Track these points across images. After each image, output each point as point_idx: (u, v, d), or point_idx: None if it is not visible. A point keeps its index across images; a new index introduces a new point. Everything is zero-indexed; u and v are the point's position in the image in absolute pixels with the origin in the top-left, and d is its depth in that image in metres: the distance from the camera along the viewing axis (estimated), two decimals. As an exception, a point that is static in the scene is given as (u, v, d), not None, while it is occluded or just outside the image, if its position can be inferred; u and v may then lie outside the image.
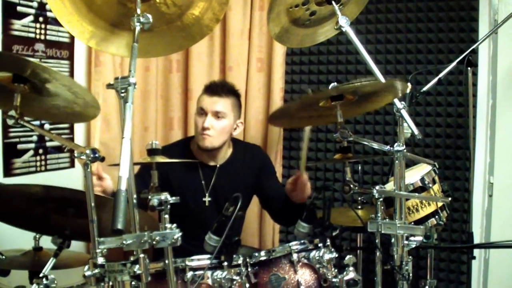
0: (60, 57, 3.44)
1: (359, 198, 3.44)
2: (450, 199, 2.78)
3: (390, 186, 2.72)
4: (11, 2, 3.09)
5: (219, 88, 3.22)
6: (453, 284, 3.80)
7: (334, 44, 3.97)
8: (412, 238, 2.33)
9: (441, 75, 3.18)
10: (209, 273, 2.34)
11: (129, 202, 1.78)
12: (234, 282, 2.32)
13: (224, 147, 3.29)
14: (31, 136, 3.25)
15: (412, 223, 2.77)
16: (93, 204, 1.83)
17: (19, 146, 3.20)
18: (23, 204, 2.34)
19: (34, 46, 3.24)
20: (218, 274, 2.33)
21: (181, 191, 3.04)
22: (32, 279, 2.22)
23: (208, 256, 2.34)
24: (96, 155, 1.83)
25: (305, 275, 2.48)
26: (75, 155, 1.82)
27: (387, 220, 2.35)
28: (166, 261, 2.03)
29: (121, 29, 2.15)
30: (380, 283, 2.52)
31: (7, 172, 3.12)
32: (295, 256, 2.49)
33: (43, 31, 3.30)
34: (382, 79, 2.25)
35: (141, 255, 1.82)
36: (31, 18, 3.21)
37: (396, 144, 2.26)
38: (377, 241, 2.47)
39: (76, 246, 3.19)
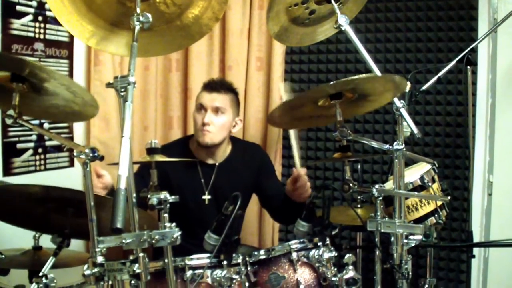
0: (59, 56, 3.44)
1: (359, 197, 3.45)
2: (449, 198, 2.79)
3: (389, 185, 2.72)
4: (10, 1, 3.09)
5: (218, 85, 3.26)
6: (452, 283, 3.80)
7: (333, 43, 3.97)
8: (411, 237, 2.33)
9: (440, 74, 3.19)
10: (208, 272, 2.34)
11: (128, 201, 1.78)
12: (234, 281, 2.32)
13: (223, 145, 3.30)
14: (30, 135, 3.25)
15: (412, 222, 2.77)
16: (92, 203, 1.83)
17: (19, 146, 3.20)
18: (22, 203, 2.34)
19: (33, 46, 3.24)
20: (218, 273, 2.33)
21: (180, 190, 3.04)
22: (31, 278, 2.23)
23: (208, 255, 2.34)
24: (96, 154, 1.83)
25: (304, 274, 2.48)
26: (75, 154, 1.82)
27: (386, 219, 2.35)
28: (166, 260, 2.03)
29: (121, 28, 2.15)
30: (379, 282, 2.52)
31: (7, 172, 3.12)
32: (294, 255, 2.49)
33: (42, 31, 3.29)
34: (380, 75, 2.25)
35: (141, 254, 1.81)
36: (30, 17, 3.21)
37: (395, 143, 2.27)
38: (376, 240, 2.47)
39: (76, 245, 3.20)
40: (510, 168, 3.66)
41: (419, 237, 2.32)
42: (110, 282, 1.86)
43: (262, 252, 2.50)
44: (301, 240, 2.54)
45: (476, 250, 3.45)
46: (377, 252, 2.50)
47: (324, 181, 4.06)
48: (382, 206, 2.38)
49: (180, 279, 2.30)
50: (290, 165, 4.10)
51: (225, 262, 2.35)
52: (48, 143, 3.39)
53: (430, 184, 2.84)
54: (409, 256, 2.36)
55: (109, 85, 1.77)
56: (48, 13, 3.29)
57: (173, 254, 2.05)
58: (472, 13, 3.68)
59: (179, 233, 1.90)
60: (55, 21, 3.23)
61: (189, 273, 2.30)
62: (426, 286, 3.05)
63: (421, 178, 2.84)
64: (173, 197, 2.00)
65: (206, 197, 3.27)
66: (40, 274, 2.16)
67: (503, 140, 3.67)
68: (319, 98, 2.39)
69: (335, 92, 2.32)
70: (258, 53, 4.01)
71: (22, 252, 2.64)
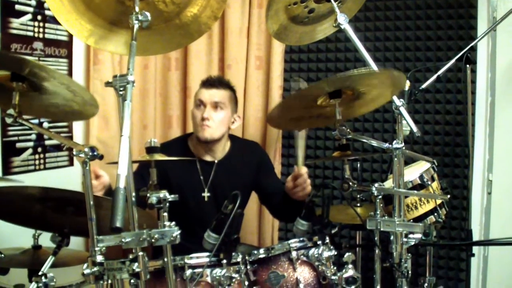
0: (58, 55, 3.44)
1: (358, 196, 3.45)
2: (449, 196, 2.78)
3: (389, 183, 2.72)
4: (9, 0, 3.08)
5: (216, 81, 3.31)
6: (452, 281, 3.80)
7: (333, 41, 3.97)
8: (411, 236, 2.33)
9: (439, 72, 3.18)
10: (208, 271, 2.34)
11: (127, 200, 1.78)
12: (233, 280, 2.32)
13: (222, 142, 3.32)
14: (30, 134, 3.25)
15: (411, 220, 2.77)
16: (92, 202, 1.82)
17: (18, 145, 3.20)
18: (21, 203, 2.34)
19: (32, 45, 3.24)
20: (217, 272, 2.32)
21: (180, 187, 3.10)
22: (31, 277, 2.23)
23: (207, 254, 2.34)
24: (95, 153, 1.83)
25: (304, 273, 2.48)
26: (74, 153, 1.82)
27: (386, 217, 2.35)
28: (165, 259, 2.03)
29: (120, 27, 2.15)
30: (379, 281, 2.52)
31: (6, 171, 3.12)
32: (294, 253, 2.48)
33: (41, 30, 3.29)
34: (377, 70, 2.25)
35: (140, 253, 1.81)
36: (29, 16, 3.21)
37: (395, 141, 2.26)
38: (376, 238, 2.47)
39: (75, 244, 3.20)
40: (509, 167, 3.66)
41: (419, 235, 2.32)
42: (109, 281, 1.86)
43: (261, 251, 2.50)
44: (301, 239, 2.54)
45: (475, 249, 3.44)
46: (377, 251, 2.50)
47: (323, 180, 4.06)
48: (381, 205, 2.38)
49: (180, 278, 2.30)
50: (289, 164, 4.11)
51: (224, 261, 2.34)
52: (47, 142, 3.39)
53: (429, 182, 2.84)
54: (409, 254, 2.36)
55: (108, 84, 1.77)
56: (47, 12, 3.29)
57: (173, 252, 2.05)
58: (472, 12, 3.68)
59: (179, 232, 1.90)
60: (54, 20, 3.22)
61: (188, 272, 2.30)
62: (426, 284, 3.05)
63: (421, 177, 2.84)
64: (172, 196, 2.00)
65: (206, 194, 3.29)
66: (40, 273, 2.16)
67: (502, 139, 3.67)
68: (318, 96, 2.39)
69: (334, 89, 2.31)
70: (258, 52, 4.01)
71: (22, 251, 2.64)
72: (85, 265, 1.81)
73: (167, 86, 4.09)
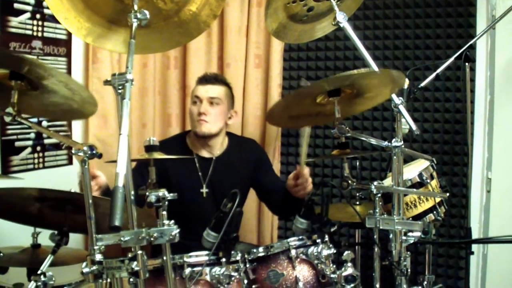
0: (57, 54, 3.44)
1: (357, 194, 3.45)
2: (448, 194, 2.79)
3: (388, 181, 2.73)
4: (8, -1, 3.09)
5: (212, 77, 3.37)
6: (451, 279, 3.81)
7: (332, 40, 3.97)
8: (410, 234, 2.33)
9: (439, 70, 3.18)
10: (207, 269, 2.34)
11: (126, 198, 1.78)
12: (233, 278, 2.32)
13: (220, 138, 3.36)
14: (29, 133, 3.25)
15: (410, 218, 2.77)
16: (91, 201, 1.82)
17: (17, 144, 3.20)
18: (20, 201, 2.34)
19: (31, 43, 3.24)
20: (217, 270, 2.32)
21: (178, 183, 3.14)
22: (30, 276, 2.23)
23: (206, 252, 2.34)
24: (94, 151, 1.83)
25: (303, 271, 2.48)
26: (73, 152, 1.82)
27: (385, 215, 2.35)
28: (164, 258, 2.03)
29: (118, 26, 2.15)
30: (378, 279, 2.52)
31: (5, 170, 3.12)
32: (293, 252, 2.49)
33: (40, 28, 3.29)
34: (378, 71, 2.25)
35: (139, 252, 1.81)
36: (28, 15, 3.21)
37: (394, 139, 2.26)
38: (375, 236, 2.47)
39: (74, 243, 3.19)
40: (508, 165, 3.66)
41: (418, 234, 2.32)
42: (108, 280, 1.86)
43: (260, 249, 2.50)
44: (300, 237, 2.54)
45: (474, 247, 3.45)
46: (376, 249, 2.50)
47: (322, 178, 4.06)
48: (380, 203, 2.38)
49: (179, 277, 2.30)
50: (288, 162, 4.11)
51: (224, 260, 2.34)
52: (46, 141, 3.39)
53: (428, 181, 2.84)
54: (408, 253, 2.36)
55: (106, 82, 1.77)
56: (46, 10, 3.29)
57: (172, 250, 2.05)
58: (471, 10, 3.68)
59: (178, 230, 1.90)
60: (53, 18, 3.22)
61: (187, 270, 2.30)
62: (425, 282, 3.04)
63: (420, 175, 2.84)
64: (171, 194, 2.00)
65: (204, 190, 3.32)
66: (39, 272, 2.16)
67: (501, 137, 3.67)
68: (317, 94, 2.39)
69: (333, 88, 2.31)
70: (257, 50, 4.01)
71: (21, 250, 2.64)
72: (84, 263, 1.80)
73: (166, 85, 4.09)
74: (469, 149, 3.47)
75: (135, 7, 1.93)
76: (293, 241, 2.51)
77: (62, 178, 3.38)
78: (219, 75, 3.53)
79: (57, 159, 3.49)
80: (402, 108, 2.22)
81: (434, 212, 2.85)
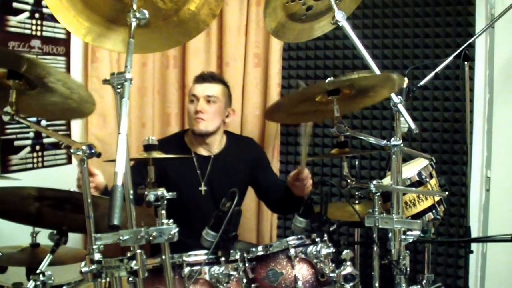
0: (56, 53, 3.44)
1: (357, 193, 3.45)
2: (447, 193, 2.79)
3: (387, 180, 2.73)
4: (7, -2, 3.09)
5: (209, 76, 3.39)
6: (450, 278, 3.81)
7: (331, 39, 3.97)
8: (409, 233, 2.33)
9: (438, 69, 3.18)
10: (206, 268, 2.34)
11: (125, 197, 1.78)
12: (232, 278, 2.32)
13: (217, 136, 3.39)
14: (28, 132, 3.25)
15: (409, 217, 2.78)
16: (89, 200, 1.82)
17: (16, 143, 3.20)
18: (19, 201, 2.34)
19: (30, 43, 3.24)
20: (216, 269, 2.33)
21: (177, 182, 3.15)
22: (29, 276, 2.23)
23: (205, 251, 2.34)
24: (93, 151, 1.82)
25: (302, 270, 2.48)
26: (71, 151, 1.82)
27: (384, 214, 2.35)
28: (163, 257, 2.03)
29: (118, 25, 2.14)
30: (377, 278, 2.52)
31: (4, 169, 3.12)
32: (292, 251, 2.49)
33: (39, 27, 3.29)
34: (378, 73, 2.25)
35: (138, 251, 1.81)
36: (27, 14, 3.21)
37: (393, 138, 2.26)
38: (374, 235, 2.47)
39: (73, 242, 3.20)
40: (508, 164, 3.66)
41: (417, 232, 2.32)
42: (107, 279, 1.86)
43: (260, 248, 2.51)
44: (299, 236, 2.54)
45: (474, 246, 3.45)
46: (375, 248, 2.51)
47: (322, 177, 4.06)
48: (380, 202, 2.38)
49: (178, 276, 2.30)
50: (288, 162, 4.11)
51: (223, 259, 2.35)
52: (45, 140, 3.39)
53: (427, 179, 2.84)
54: (407, 251, 2.37)
55: (105, 81, 1.77)
56: (45, 10, 3.29)
57: (171, 248, 2.05)
58: (470, 9, 3.67)
59: (177, 229, 1.90)
60: (52, 18, 3.22)
61: (187, 269, 2.30)
62: (424, 281, 3.04)
63: (419, 174, 2.84)
64: (170, 193, 2.00)
65: (203, 188, 3.35)
66: (38, 271, 2.16)
67: (500, 135, 3.67)
68: (317, 94, 2.39)
69: (333, 88, 2.31)
70: (256, 50, 4.01)
71: (20, 250, 2.64)
72: (83, 263, 1.80)
73: (166, 84, 4.09)
74: (468, 148, 3.47)
75: (134, 7, 1.93)
76: (292, 240, 2.52)
77: (61, 177, 3.38)
78: (216, 74, 3.55)
79: (56, 159, 3.49)
80: (401, 107, 2.22)
81: (433, 211, 2.85)
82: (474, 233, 3.53)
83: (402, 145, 2.27)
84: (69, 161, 3.57)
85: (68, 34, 3.49)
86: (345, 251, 2.45)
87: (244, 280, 2.42)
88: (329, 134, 3.98)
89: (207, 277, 2.33)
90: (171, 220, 1.93)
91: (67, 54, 3.53)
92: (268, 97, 3.98)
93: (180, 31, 2.25)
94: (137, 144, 3.78)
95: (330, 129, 2.34)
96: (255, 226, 4.07)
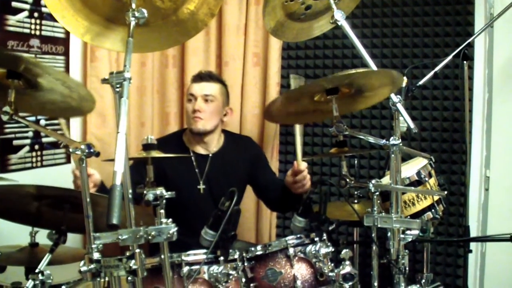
0: (55, 52, 3.44)
1: (356, 192, 3.45)
2: (446, 192, 2.78)
3: (386, 180, 2.72)
4: (6, -3, 3.09)
5: (207, 75, 3.42)
6: (449, 277, 3.81)
7: (330, 38, 3.97)
8: (408, 232, 2.33)
9: (437, 68, 3.18)
10: (205, 268, 2.34)
11: (124, 197, 1.78)
12: (231, 277, 2.32)
13: (215, 134, 3.41)
14: (26, 132, 3.25)
15: (409, 217, 2.77)
16: (88, 200, 1.82)
17: (15, 142, 3.19)
18: (18, 200, 2.34)
19: (29, 42, 3.24)
20: (215, 269, 2.33)
21: (176, 180, 3.18)
22: (28, 275, 2.22)
23: (204, 251, 2.34)
24: (91, 150, 1.82)
25: (301, 270, 2.48)
26: (70, 150, 1.82)
27: (383, 214, 2.35)
28: (162, 256, 2.03)
29: (116, 24, 2.14)
30: (376, 277, 2.52)
31: (3, 168, 3.12)
32: (291, 250, 2.49)
33: (38, 27, 3.29)
34: (376, 69, 2.25)
35: (137, 250, 1.81)
36: (26, 13, 3.21)
37: (392, 138, 2.26)
38: (373, 235, 2.47)
39: (72, 241, 3.20)
40: (507, 163, 3.66)
41: (416, 232, 2.32)
42: (106, 279, 1.86)
43: (259, 247, 2.51)
44: (298, 235, 2.54)
45: (473, 245, 3.45)
46: (374, 247, 2.50)
47: (321, 177, 4.06)
48: (379, 201, 2.38)
49: (177, 275, 2.30)
50: (287, 161, 4.11)
51: (222, 258, 2.35)
52: (44, 139, 3.39)
53: (427, 179, 2.84)
54: (406, 251, 2.36)
55: (104, 81, 1.77)
56: (43, 9, 3.29)
57: (170, 247, 2.04)
58: (469, 8, 3.67)
59: (176, 229, 1.90)
60: (51, 17, 3.22)
61: (185, 269, 2.30)
62: (423, 281, 3.04)
63: (418, 173, 2.84)
64: (169, 193, 2.00)
65: (201, 186, 3.37)
66: (37, 270, 2.16)
67: (500, 135, 3.67)
68: (316, 93, 2.39)
69: (332, 86, 2.31)
70: (255, 49, 4.01)
71: (19, 249, 2.64)
72: (82, 262, 1.80)
73: (165, 83, 4.09)
74: (467, 147, 3.46)
75: (133, 6, 1.93)
76: (291, 239, 2.52)
77: (60, 176, 3.37)
78: (213, 73, 3.56)
79: (55, 158, 3.49)
80: (400, 106, 2.22)
81: (432, 210, 2.84)
82: (473, 233, 3.52)
83: (401, 144, 2.27)
84: (68, 161, 3.57)
85: (67, 33, 3.49)
86: (344, 251, 2.44)
87: (243, 280, 2.42)
88: (328, 133, 3.99)
89: (206, 276, 2.34)
90: (170, 220, 1.93)
91: (66, 54, 3.53)
92: (267, 97, 3.98)
93: (179, 30, 2.26)
94: (136, 143, 3.78)
95: (329, 129, 2.34)
96: (254, 225, 4.06)
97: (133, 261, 1.80)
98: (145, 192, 1.97)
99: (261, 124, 4.04)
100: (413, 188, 2.81)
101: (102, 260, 1.80)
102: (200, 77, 3.39)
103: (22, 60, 1.88)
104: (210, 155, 3.41)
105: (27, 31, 3.22)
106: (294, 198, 3.08)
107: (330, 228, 2.59)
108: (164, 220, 1.93)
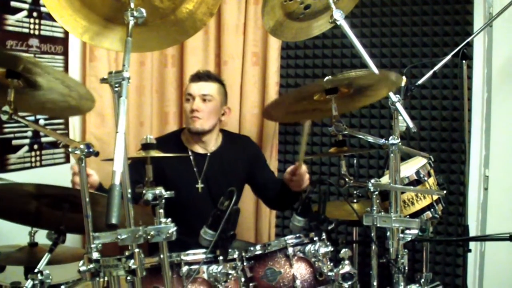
0: (54, 52, 3.44)
1: (355, 192, 3.45)
2: (445, 192, 2.78)
3: (385, 179, 2.72)
4: (4, -3, 3.08)
5: (205, 75, 3.43)
6: (449, 277, 3.81)
7: (329, 37, 3.97)
8: (407, 231, 2.33)
9: (436, 68, 3.18)
10: (204, 267, 2.34)
11: (123, 196, 1.78)
12: (230, 276, 2.32)
13: (213, 134, 3.42)
14: (26, 131, 3.25)
15: (408, 216, 2.77)
16: (87, 199, 1.82)
17: (14, 142, 3.19)
18: (17, 200, 2.34)
19: (28, 41, 3.24)
20: (214, 268, 2.32)
21: (174, 179, 3.19)
22: (27, 275, 2.22)
23: (204, 250, 2.34)
24: (91, 150, 1.82)
25: (300, 269, 2.48)
26: (69, 150, 1.82)
27: (382, 213, 2.35)
28: (161, 256, 2.03)
29: (115, 24, 2.14)
30: (375, 277, 2.52)
31: (2, 168, 3.12)
32: (290, 250, 2.49)
33: (37, 26, 3.29)
34: (376, 71, 2.25)
35: (136, 250, 1.81)
36: (25, 13, 3.20)
37: (391, 137, 2.26)
38: (372, 234, 2.47)
39: (72, 241, 3.19)
40: (506, 162, 3.66)
41: (415, 231, 2.32)
42: (105, 278, 1.86)
43: (258, 247, 2.50)
44: (297, 235, 2.54)
45: (472, 244, 3.45)
46: (373, 247, 2.51)
47: (320, 176, 4.06)
48: (378, 201, 2.38)
49: (176, 275, 2.29)
50: (286, 160, 4.11)
51: (221, 258, 2.35)
52: (43, 139, 3.39)
53: (426, 178, 2.84)
54: (405, 250, 2.36)
55: (103, 80, 1.77)
56: (42, 9, 3.28)
57: (169, 246, 2.04)
58: (468, 7, 3.67)
59: (175, 228, 1.90)
60: (50, 17, 3.21)
61: (185, 268, 2.29)
62: (423, 280, 3.04)
63: (417, 173, 2.83)
64: (168, 192, 2.00)
65: (199, 185, 3.38)
66: (36, 270, 2.16)
67: (499, 134, 3.68)
68: (315, 92, 2.39)
69: (331, 87, 2.31)
70: (254, 48, 4.01)
71: (18, 249, 2.63)
72: (81, 262, 1.80)
73: (164, 83, 4.09)
74: (466, 146, 3.46)
75: (132, 5, 1.93)
76: (290, 239, 2.52)
77: (60, 176, 3.37)
78: (211, 72, 3.57)
79: (54, 158, 3.49)
80: (399, 106, 2.22)
81: (432, 209, 2.84)
82: (472, 232, 3.53)
83: (400, 143, 2.27)
84: (67, 160, 3.57)
85: (66, 33, 3.48)
86: (343, 250, 2.44)
87: (242, 279, 2.42)
88: (327, 132, 3.99)
89: (205, 276, 2.33)
90: (169, 219, 1.93)
91: (65, 53, 3.53)
92: (266, 96, 3.98)
93: (177, 30, 2.26)
94: (135, 143, 3.78)
95: (328, 128, 2.35)
96: (253, 225, 4.07)
97: (132, 261, 1.80)
98: (144, 191, 1.97)
99: (260, 123, 4.04)
100: (412, 187, 2.81)
101: (101, 259, 1.80)
102: (198, 77, 3.40)
103: (21, 59, 1.88)
104: (209, 154, 3.42)
105: (26, 30, 3.22)
106: (292, 195, 3.09)
107: (329, 227, 2.59)
108: (163, 219, 1.93)
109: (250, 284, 2.44)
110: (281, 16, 2.47)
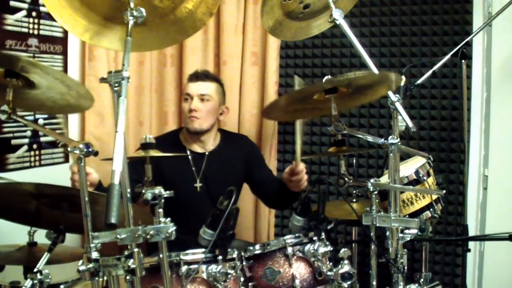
0: (53, 51, 3.43)
1: (354, 191, 3.44)
2: (444, 191, 2.78)
3: (384, 179, 2.72)
4: (4, -4, 3.08)
5: (203, 74, 3.44)
6: (448, 276, 3.81)
7: (328, 37, 3.97)
8: (407, 231, 2.33)
9: (435, 67, 3.18)
10: (203, 267, 2.34)
11: (122, 196, 1.78)
12: (229, 276, 2.32)
13: (212, 133, 3.43)
14: (25, 131, 3.25)
15: (407, 216, 2.77)
16: (87, 199, 1.82)
17: (13, 141, 3.19)
18: (16, 199, 2.33)
19: (27, 41, 3.23)
20: (213, 268, 2.32)
21: (173, 179, 3.20)
22: (26, 274, 2.22)
23: (203, 250, 2.34)
24: (90, 149, 1.82)
25: (300, 269, 2.48)
26: (69, 149, 1.82)
27: (382, 213, 2.35)
28: (161, 255, 2.03)
29: (115, 23, 2.14)
30: (375, 276, 2.52)
31: (1, 168, 3.11)
32: (290, 249, 2.49)
33: (36, 26, 3.28)
34: (376, 71, 2.24)
35: (135, 249, 1.81)
36: (24, 12, 3.20)
37: (390, 137, 2.26)
38: (372, 234, 2.47)
39: (71, 241, 3.19)
40: (505, 162, 3.66)
41: (415, 231, 2.32)
42: (105, 278, 1.85)
43: (257, 247, 2.50)
44: (296, 234, 2.54)
45: (471, 244, 3.46)
46: (373, 247, 2.51)
47: (319, 176, 4.06)
48: (377, 201, 2.38)
49: (175, 274, 2.29)
50: (285, 160, 4.11)
51: (220, 257, 2.34)
52: (43, 139, 3.38)
53: (425, 178, 2.84)
54: (405, 250, 2.37)
55: (102, 80, 1.77)
56: (42, 8, 3.28)
57: (168, 245, 2.04)
58: (467, 7, 3.68)
59: (174, 228, 1.90)
60: (49, 16, 3.22)
61: (184, 268, 2.29)
62: (422, 280, 3.05)
63: (416, 172, 2.83)
64: (167, 192, 2.00)
65: (198, 184, 3.39)
66: (35, 270, 2.15)
67: (498, 134, 3.68)
68: (315, 92, 2.38)
69: (331, 87, 2.31)
70: (253, 48, 4.01)
71: (17, 248, 2.63)
72: (81, 261, 1.80)
73: (163, 83, 4.08)
74: (465, 146, 3.47)
75: (131, 5, 1.93)
76: (289, 238, 2.52)
77: (59, 176, 3.37)
78: (209, 72, 3.58)
79: (53, 157, 3.48)
80: (398, 105, 2.22)
81: (431, 209, 2.84)
82: (472, 232, 3.53)
83: (399, 143, 2.27)
84: (67, 160, 3.57)
85: (65, 32, 3.48)
86: (342, 250, 2.44)
87: (242, 279, 2.42)
88: (327, 132, 3.99)
89: (204, 275, 2.33)
90: (169, 219, 1.93)
91: (64, 53, 3.52)
92: (266, 96, 3.98)
93: (177, 29, 2.26)
94: (135, 142, 3.78)
95: (327, 128, 2.35)
96: (252, 224, 4.07)
97: (131, 260, 1.80)
98: (143, 191, 1.97)
99: (259, 123, 4.04)
100: (411, 187, 2.80)
101: (100, 259, 1.80)
102: (196, 77, 3.41)
103: (19, 59, 1.88)
104: (207, 153, 3.43)
105: (25, 30, 3.22)
106: (291, 194, 3.10)
107: (329, 227, 2.59)
108: (162, 219, 1.93)
109: (249, 284, 2.44)
110: (280, 16, 2.47)
